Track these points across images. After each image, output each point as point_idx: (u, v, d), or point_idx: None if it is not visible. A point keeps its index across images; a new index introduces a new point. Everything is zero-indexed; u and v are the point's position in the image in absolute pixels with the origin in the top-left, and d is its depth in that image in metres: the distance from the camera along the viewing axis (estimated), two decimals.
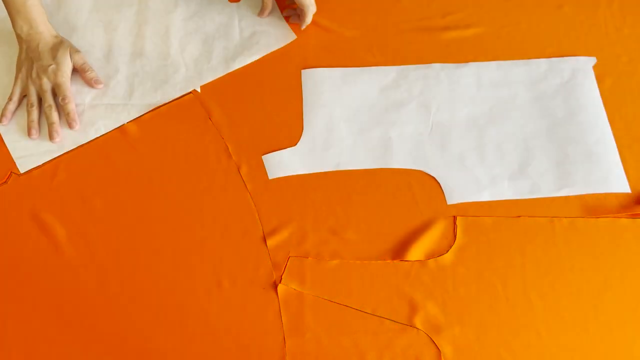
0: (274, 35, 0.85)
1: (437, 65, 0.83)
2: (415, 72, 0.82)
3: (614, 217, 0.71)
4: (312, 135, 0.78)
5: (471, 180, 0.75)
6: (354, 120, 0.79)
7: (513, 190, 0.74)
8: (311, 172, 0.76)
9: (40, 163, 0.76)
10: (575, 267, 0.69)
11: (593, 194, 0.72)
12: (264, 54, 0.83)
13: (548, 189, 0.73)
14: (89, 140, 0.77)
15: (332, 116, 0.79)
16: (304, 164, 0.76)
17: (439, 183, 0.74)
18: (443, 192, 0.74)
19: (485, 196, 0.73)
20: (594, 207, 0.72)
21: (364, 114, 0.80)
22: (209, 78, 0.82)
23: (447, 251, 0.70)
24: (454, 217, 0.72)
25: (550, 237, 0.70)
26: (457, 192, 0.74)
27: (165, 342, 0.66)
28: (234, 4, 0.88)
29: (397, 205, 0.73)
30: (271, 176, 0.75)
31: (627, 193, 0.73)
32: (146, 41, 0.84)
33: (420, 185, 0.74)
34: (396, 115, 0.79)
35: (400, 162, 0.76)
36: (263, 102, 0.80)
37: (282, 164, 0.76)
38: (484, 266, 0.69)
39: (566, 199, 0.72)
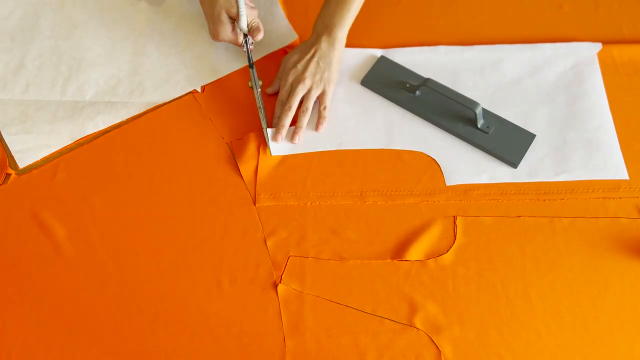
0: (275, 35, 0.85)
1: (442, 48, 0.83)
2: (419, 55, 0.82)
3: (614, 217, 0.71)
4: (315, 114, 0.78)
5: (471, 162, 0.75)
6: (357, 101, 0.80)
7: (512, 174, 0.74)
8: (314, 150, 0.76)
9: (39, 158, 0.76)
10: (575, 267, 0.69)
11: (594, 194, 0.72)
12: (265, 54, 0.83)
13: (547, 174, 0.74)
14: (86, 134, 0.77)
15: (335, 96, 0.80)
16: (306, 142, 0.76)
17: (438, 164, 0.75)
18: (442, 174, 0.74)
19: (484, 179, 0.74)
20: (594, 207, 0.72)
21: (367, 95, 0.80)
22: (209, 78, 0.82)
23: (447, 251, 0.70)
24: (454, 217, 0.72)
25: (550, 237, 0.70)
26: (457, 174, 0.74)
27: (166, 342, 0.66)
28: None
29: (397, 186, 0.73)
30: (274, 153, 0.76)
31: (626, 180, 0.73)
32: (147, 40, 0.84)
33: (421, 166, 0.75)
34: None
35: (402, 144, 0.76)
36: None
37: (285, 141, 0.76)
38: (484, 266, 0.69)
39: (566, 198, 0.72)
